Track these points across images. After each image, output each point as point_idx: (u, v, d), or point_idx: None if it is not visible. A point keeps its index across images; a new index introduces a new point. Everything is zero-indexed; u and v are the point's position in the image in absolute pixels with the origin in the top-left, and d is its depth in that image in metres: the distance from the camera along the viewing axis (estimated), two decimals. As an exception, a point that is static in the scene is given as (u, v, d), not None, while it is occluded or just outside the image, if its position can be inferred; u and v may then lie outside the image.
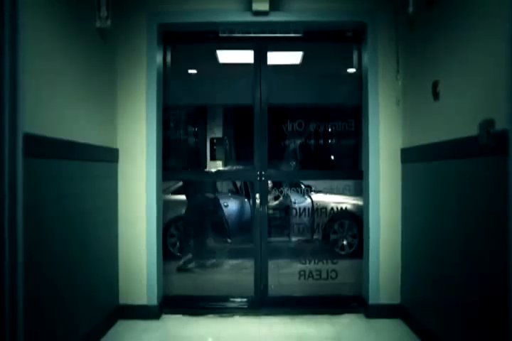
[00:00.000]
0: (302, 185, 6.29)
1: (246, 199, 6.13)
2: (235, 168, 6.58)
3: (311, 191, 6.39)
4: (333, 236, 5.96)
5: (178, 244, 5.95)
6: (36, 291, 2.19)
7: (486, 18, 2.22)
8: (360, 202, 5.84)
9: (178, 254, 5.86)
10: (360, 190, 4.09)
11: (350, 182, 9.16)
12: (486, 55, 2.22)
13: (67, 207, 2.60)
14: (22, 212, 2.03)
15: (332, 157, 5.94)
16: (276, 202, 6.51)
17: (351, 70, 3.92)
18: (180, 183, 6.39)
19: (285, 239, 5.95)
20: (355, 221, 5.83)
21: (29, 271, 2.09)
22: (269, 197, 6.73)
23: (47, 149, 2.32)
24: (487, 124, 2.12)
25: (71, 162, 2.64)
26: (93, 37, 3.02)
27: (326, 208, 6.00)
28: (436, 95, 2.78)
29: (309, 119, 4.11)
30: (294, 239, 5.76)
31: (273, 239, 6.02)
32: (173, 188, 6.29)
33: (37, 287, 2.20)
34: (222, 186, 7.64)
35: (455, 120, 2.56)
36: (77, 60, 2.76)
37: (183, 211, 6.01)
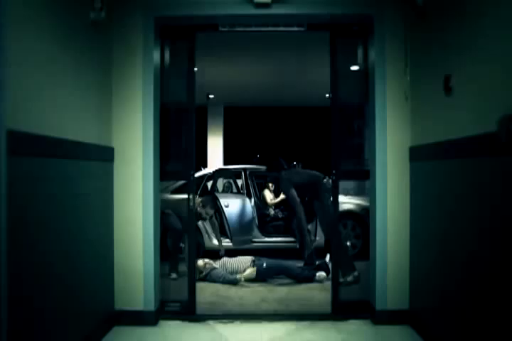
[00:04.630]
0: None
1: (248, 199, 5.98)
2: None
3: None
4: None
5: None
6: (24, 295, 2.05)
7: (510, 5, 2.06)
8: (363, 202, 5.72)
9: (179, 255, 5.73)
10: (363, 189, 3.94)
11: (353, 182, 9.06)
12: (507, 45, 2.06)
13: (60, 208, 2.46)
14: (6, 212, 1.89)
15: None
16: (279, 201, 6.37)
17: (357, 65, 3.75)
18: (181, 181, 6.24)
19: (288, 239, 5.80)
20: (358, 221, 5.70)
21: (16, 273, 1.96)
22: (271, 197, 6.59)
23: (34, 147, 2.17)
24: (507, 120, 1.97)
25: (62, 161, 2.50)
26: (86, 29, 2.87)
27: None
28: (448, 90, 2.62)
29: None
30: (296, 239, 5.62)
31: (276, 239, 5.87)
32: (172, 187, 6.14)
33: (25, 290, 2.07)
34: (224, 185, 7.50)
35: (470, 116, 2.40)
36: (69, 53, 2.61)
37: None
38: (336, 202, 3.52)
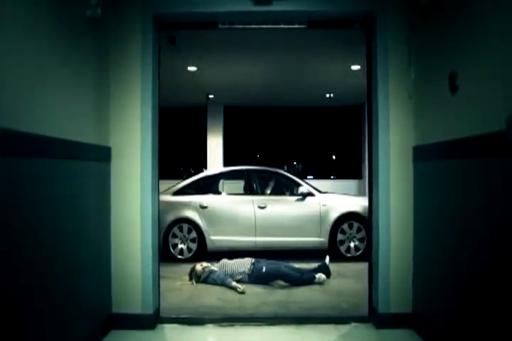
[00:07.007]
0: (308, 185, 6.10)
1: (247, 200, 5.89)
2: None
3: (317, 191, 6.19)
4: (339, 238, 5.74)
5: (179, 245, 5.73)
6: (16, 300, 1.99)
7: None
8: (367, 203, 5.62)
9: (180, 257, 5.66)
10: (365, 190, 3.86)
11: (356, 183, 8.98)
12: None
13: (55, 209, 2.39)
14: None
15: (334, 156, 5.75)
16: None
17: (359, 63, 3.69)
18: (183, 183, 6.17)
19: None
20: (362, 223, 5.63)
21: (10, 275, 1.91)
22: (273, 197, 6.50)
23: (30, 147, 2.11)
24: (515, 119, 1.91)
25: (58, 161, 2.43)
26: (84, 28, 2.81)
27: (333, 209, 5.80)
28: (454, 88, 2.55)
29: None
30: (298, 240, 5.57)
31: (277, 239, 5.79)
32: (174, 189, 6.06)
33: (17, 295, 2.00)
34: (224, 186, 7.42)
35: (475, 115, 2.34)
36: (66, 52, 2.55)
37: (185, 213, 5.78)
38: (371, 201, 3.46)
